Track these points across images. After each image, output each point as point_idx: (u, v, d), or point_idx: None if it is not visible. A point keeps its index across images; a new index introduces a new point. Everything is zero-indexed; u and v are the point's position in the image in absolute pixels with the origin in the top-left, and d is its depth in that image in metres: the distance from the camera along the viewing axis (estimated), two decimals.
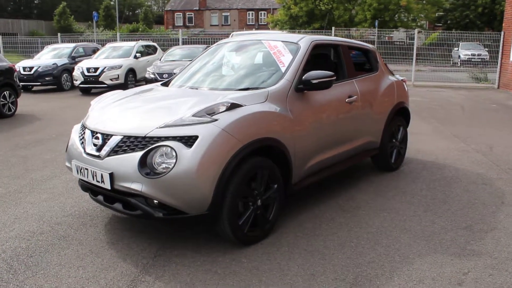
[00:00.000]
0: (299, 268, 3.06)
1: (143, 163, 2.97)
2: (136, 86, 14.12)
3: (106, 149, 3.17)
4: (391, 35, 27.71)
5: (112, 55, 14.61)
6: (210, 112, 3.13)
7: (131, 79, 14.33)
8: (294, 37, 4.23)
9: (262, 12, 54.38)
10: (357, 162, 4.94)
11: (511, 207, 4.23)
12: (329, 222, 3.84)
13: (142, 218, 3.43)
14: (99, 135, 3.27)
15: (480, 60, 20.81)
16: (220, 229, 3.21)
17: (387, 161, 5.22)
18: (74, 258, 3.20)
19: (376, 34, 32.34)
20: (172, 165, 2.91)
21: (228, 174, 3.05)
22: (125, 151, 3.09)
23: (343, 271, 3.01)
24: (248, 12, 54.55)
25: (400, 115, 5.35)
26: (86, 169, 3.26)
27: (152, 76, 13.27)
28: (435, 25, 38.48)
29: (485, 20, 31.82)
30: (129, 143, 3.09)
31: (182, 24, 52.32)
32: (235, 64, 4.29)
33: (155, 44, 16.96)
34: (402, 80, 5.52)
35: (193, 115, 3.09)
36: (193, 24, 52.87)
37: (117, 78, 13.62)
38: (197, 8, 53.36)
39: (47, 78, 14.27)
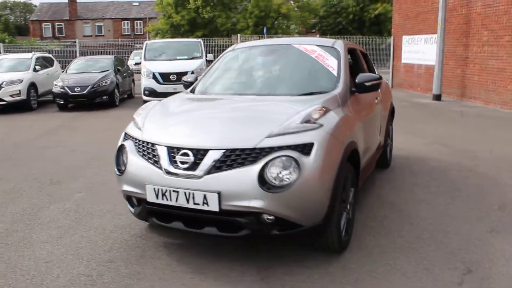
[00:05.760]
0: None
1: (261, 177, 2.72)
2: (38, 102, 12.66)
3: (203, 166, 2.81)
4: None
5: (7, 69, 12.84)
6: (309, 118, 2.99)
7: (33, 94, 12.74)
8: (326, 41, 4.23)
9: (138, 21, 52.75)
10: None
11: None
12: (383, 219, 3.93)
13: (245, 239, 3.11)
14: (187, 151, 2.89)
15: None
16: (325, 238, 3.08)
17: (386, 158, 5.49)
18: None
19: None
20: (296, 176, 2.71)
21: (339, 180, 2.95)
22: (231, 167, 2.78)
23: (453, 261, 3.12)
24: (123, 22, 52.43)
25: (391, 114, 5.68)
26: (176, 191, 2.85)
27: (62, 90, 12.04)
28: (310, 31, 41.14)
29: (356, 26, 35.04)
30: (234, 157, 2.79)
31: (51, 35, 48.13)
32: (282, 69, 4.14)
33: (51, 55, 15.38)
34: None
35: (301, 122, 2.92)
36: (64, 35, 48.97)
37: (18, 94, 11.97)
38: (68, 18, 49.61)
39: None
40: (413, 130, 8.18)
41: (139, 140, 3.19)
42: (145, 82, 12.34)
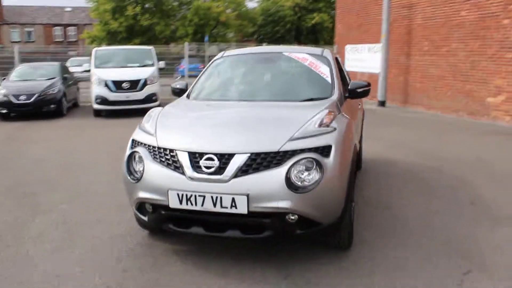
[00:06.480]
0: None
1: (288, 178, 2.85)
2: None
3: (230, 170, 2.89)
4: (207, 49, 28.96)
5: None
6: (322, 123, 3.17)
7: None
8: (315, 49, 4.46)
9: (71, 27, 50.68)
10: None
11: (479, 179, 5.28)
12: (372, 219, 4.22)
13: (268, 241, 3.22)
14: (212, 156, 2.95)
15: None
16: (337, 236, 3.26)
17: (360, 160, 5.81)
18: None
19: (195, 49, 33.47)
20: (319, 176, 2.88)
21: (351, 180, 3.18)
22: (257, 170, 2.88)
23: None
24: (54, 28, 50.11)
25: (363, 118, 6.02)
26: (202, 195, 2.90)
27: (5, 98, 11.34)
28: (248, 39, 41.74)
29: (293, 34, 36.23)
30: (260, 161, 2.90)
31: None
32: (280, 76, 4.30)
33: None
34: None
35: (319, 126, 3.10)
36: None
37: None
38: None
39: None
40: (369, 135, 8.59)
41: (155, 147, 3.20)
42: (97, 90, 11.84)
